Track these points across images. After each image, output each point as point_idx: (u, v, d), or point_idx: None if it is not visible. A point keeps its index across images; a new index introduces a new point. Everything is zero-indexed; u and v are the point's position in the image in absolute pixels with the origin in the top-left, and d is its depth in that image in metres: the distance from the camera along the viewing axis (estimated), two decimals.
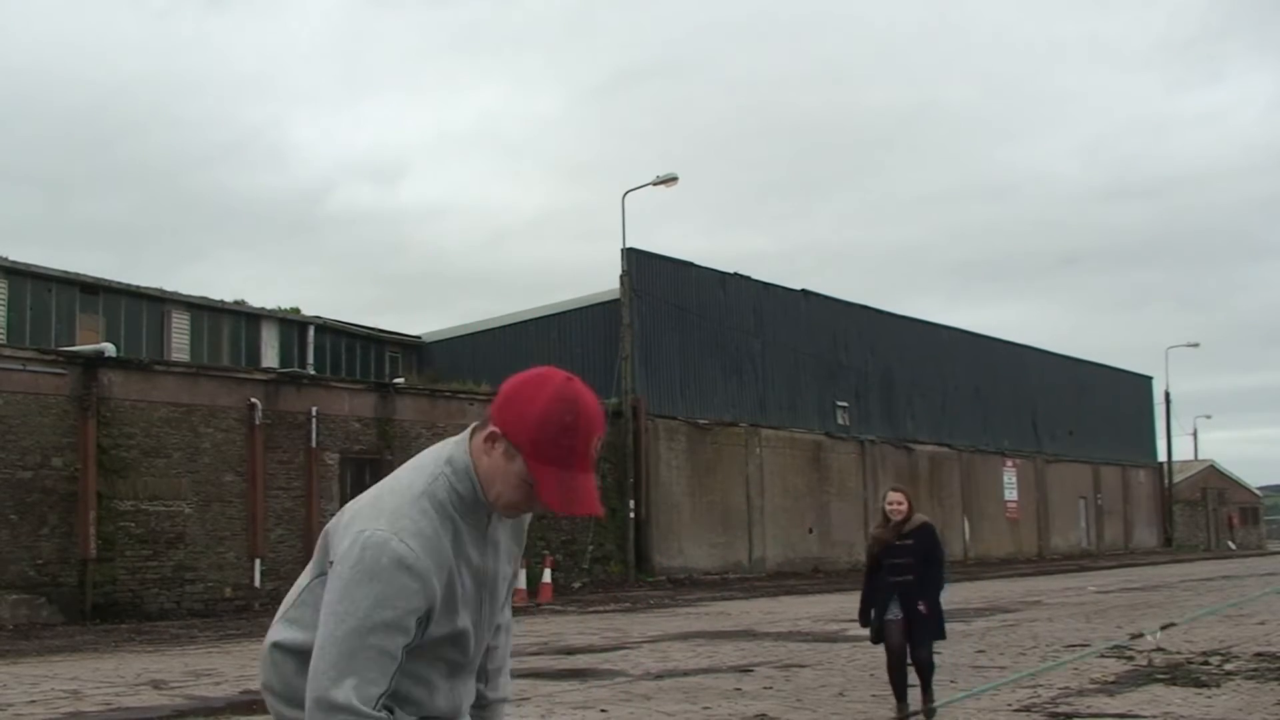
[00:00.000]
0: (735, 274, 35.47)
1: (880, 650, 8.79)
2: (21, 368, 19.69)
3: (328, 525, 2.39)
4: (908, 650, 8.50)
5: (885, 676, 8.83)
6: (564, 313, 33.49)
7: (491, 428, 2.23)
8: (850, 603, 22.61)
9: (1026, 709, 8.91)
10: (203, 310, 32.94)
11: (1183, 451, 66.96)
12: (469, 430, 2.33)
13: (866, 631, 8.80)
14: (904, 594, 8.41)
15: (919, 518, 8.60)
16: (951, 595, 23.98)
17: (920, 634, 8.42)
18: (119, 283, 30.98)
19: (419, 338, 38.82)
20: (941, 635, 8.61)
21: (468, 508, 2.27)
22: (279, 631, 2.40)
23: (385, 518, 2.19)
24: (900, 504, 8.54)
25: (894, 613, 8.45)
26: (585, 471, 2.23)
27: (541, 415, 2.17)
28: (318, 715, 2.12)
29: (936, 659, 8.89)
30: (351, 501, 2.37)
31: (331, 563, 2.24)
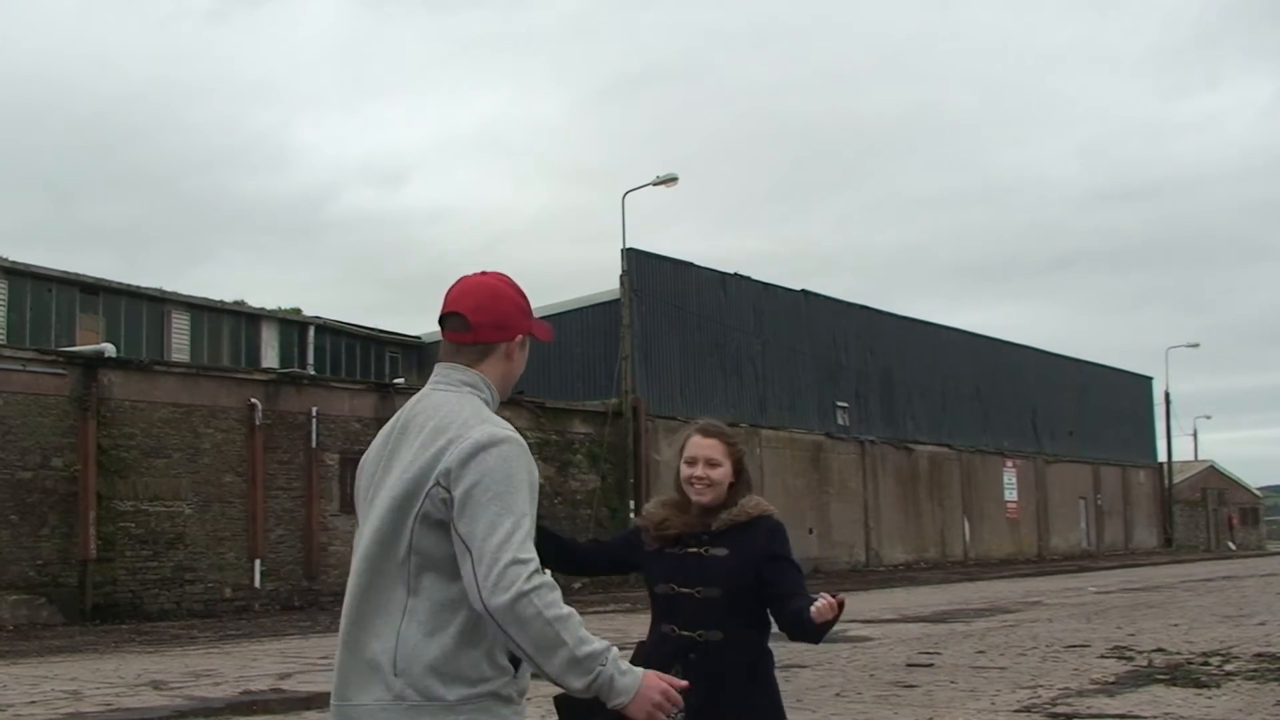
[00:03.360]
0: (735, 274, 35.47)
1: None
2: (21, 368, 19.68)
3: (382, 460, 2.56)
4: None
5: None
6: (564, 313, 33.45)
7: (508, 340, 2.62)
8: (851, 603, 22.52)
9: (1026, 709, 8.90)
10: (203, 310, 32.95)
11: (1183, 452, 67.02)
12: (461, 375, 2.59)
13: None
14: (698, 667, 3.38)
15: (755, 503, 3.66)
16: (951, 595, 23.96)
17: None
18: (119, 283, 30.98)
19: (419, 338, 38.82)
20: None
21: None
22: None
23: (489, 423, 2.48)
24: (714, 465, 3.63)
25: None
26: None
27: (520, 295, 2.66)
28: (513, 572, 2.30)
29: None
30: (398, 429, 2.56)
31: (444, 480, 2.39)
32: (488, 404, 2.57)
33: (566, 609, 2.34)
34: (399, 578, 2.42)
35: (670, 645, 3.48)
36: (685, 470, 3.66)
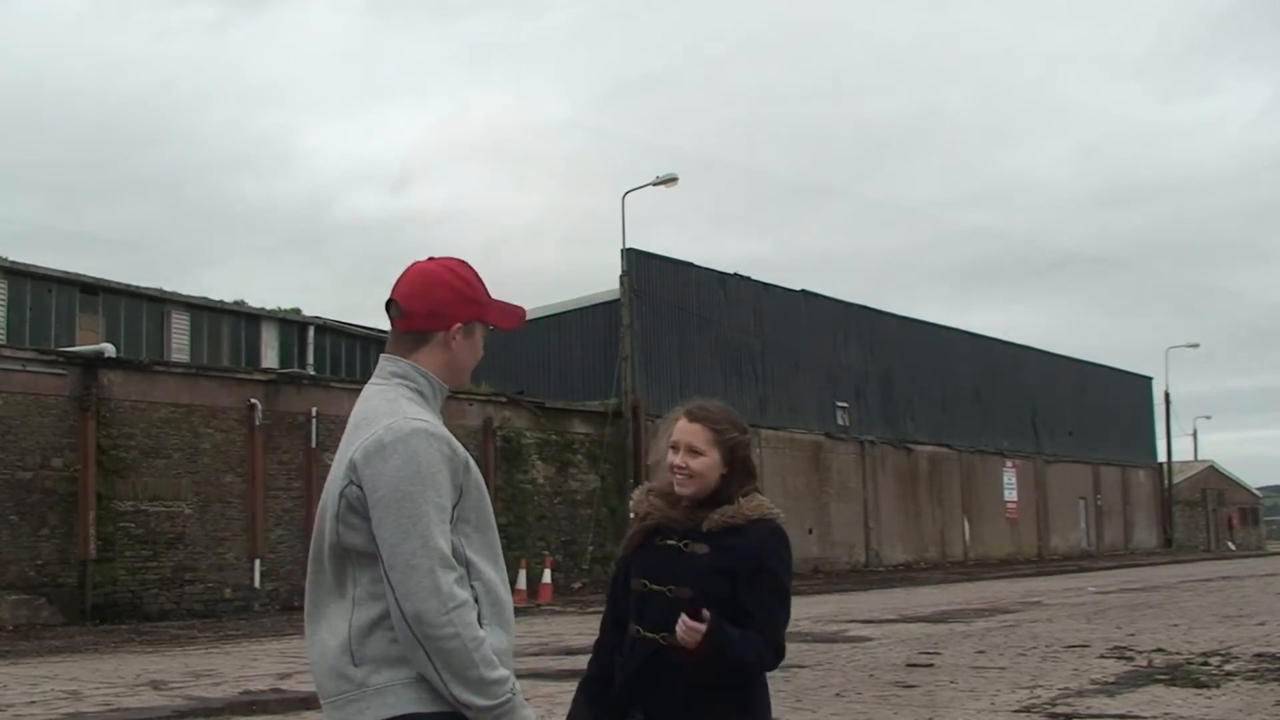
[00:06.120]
0: (735, 274, 35.46)
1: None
2: (21, 368, 19.68)
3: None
4: None
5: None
6: (564, 313, 33.45)
7: (444, 330, 2.52)
8: (851, 604, 22.54)
9: (1026, 709, 8.90)
10: (202, 310, 32.94)
11: (1182, 452, 66.94)
12: (391, 367, 2.52)
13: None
14: (657, 675, 3.03)
15: (755, 504, 3.10)
16: (951, 595, 23.90)
17: None
18: (119, 283, 30.98)
19: None
20: None
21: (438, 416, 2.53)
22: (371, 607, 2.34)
23: (399, 415, 2.40)
24: (695, 454, 3.11)
25: None
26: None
27: (462, 282, 2.55)
28: (431, 581, 2.26)
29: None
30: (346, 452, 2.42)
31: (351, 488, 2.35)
32: (422, 394, 2.49)
33: (482, 632, 2.31)
34: (341, 575, 2.40)
35: (635, 649, 3.07)
36: (670, 456, 3.17)
